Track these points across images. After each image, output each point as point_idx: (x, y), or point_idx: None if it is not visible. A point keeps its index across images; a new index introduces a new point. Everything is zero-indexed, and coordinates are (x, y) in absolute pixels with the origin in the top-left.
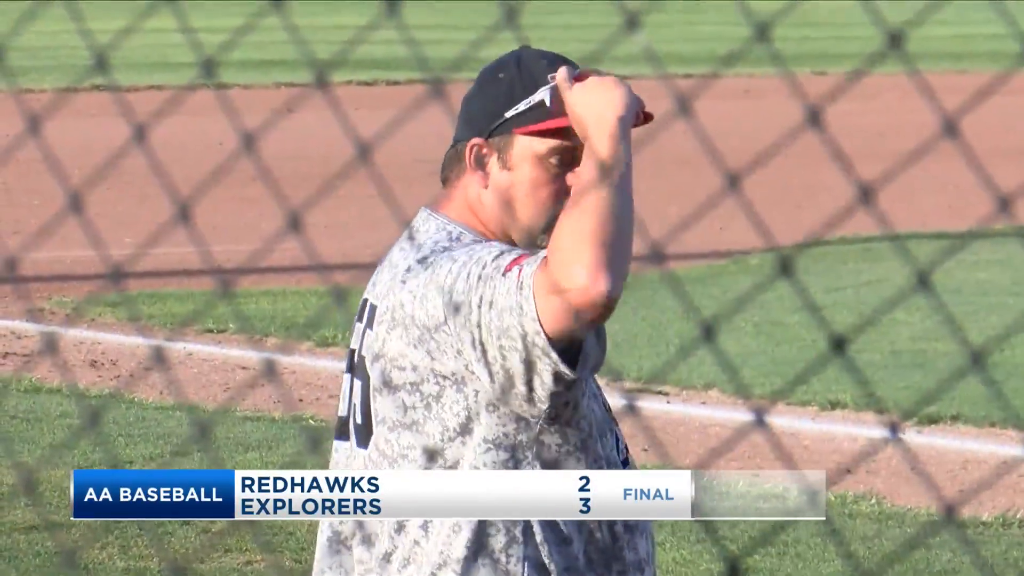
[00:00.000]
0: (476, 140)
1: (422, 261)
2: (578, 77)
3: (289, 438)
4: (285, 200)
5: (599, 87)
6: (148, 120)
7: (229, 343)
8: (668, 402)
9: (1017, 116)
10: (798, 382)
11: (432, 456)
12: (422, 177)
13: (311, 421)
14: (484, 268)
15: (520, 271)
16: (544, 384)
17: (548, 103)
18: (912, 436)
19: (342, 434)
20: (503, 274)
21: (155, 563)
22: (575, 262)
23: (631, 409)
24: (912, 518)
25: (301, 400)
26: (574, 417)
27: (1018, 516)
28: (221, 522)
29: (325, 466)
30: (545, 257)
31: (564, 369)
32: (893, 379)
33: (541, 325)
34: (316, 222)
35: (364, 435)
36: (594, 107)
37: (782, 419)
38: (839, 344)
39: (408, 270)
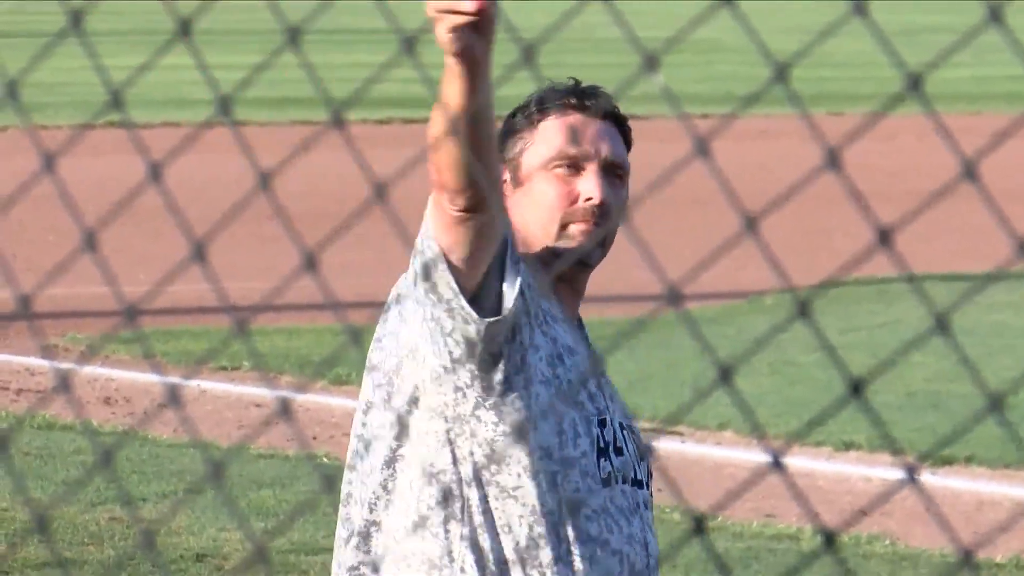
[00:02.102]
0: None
1: None
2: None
3: (303, 476)
4: (300, 238)
5: None
6: (164, 157)
7: (243, 380)
8: (683, 442)
9: None
10: (813, 423)
11: (399, 432)
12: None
13: (324, 459)
14: (417, 244)
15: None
16: (451, 336)
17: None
18: (927, 477)
19: None
20: (425, 237)
21: None
22: (439, 161)
23: (646, 449)
24: (926, 559)
25: (315, 438)
26: (508, 393)
27: None
28: (234, 559)
29: (339, 503)
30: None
31: (453, 289)
32: (908, 420)
33: (442, 254)
34: (331, 261)
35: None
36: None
37: (796, 459)
38: (856, 387)
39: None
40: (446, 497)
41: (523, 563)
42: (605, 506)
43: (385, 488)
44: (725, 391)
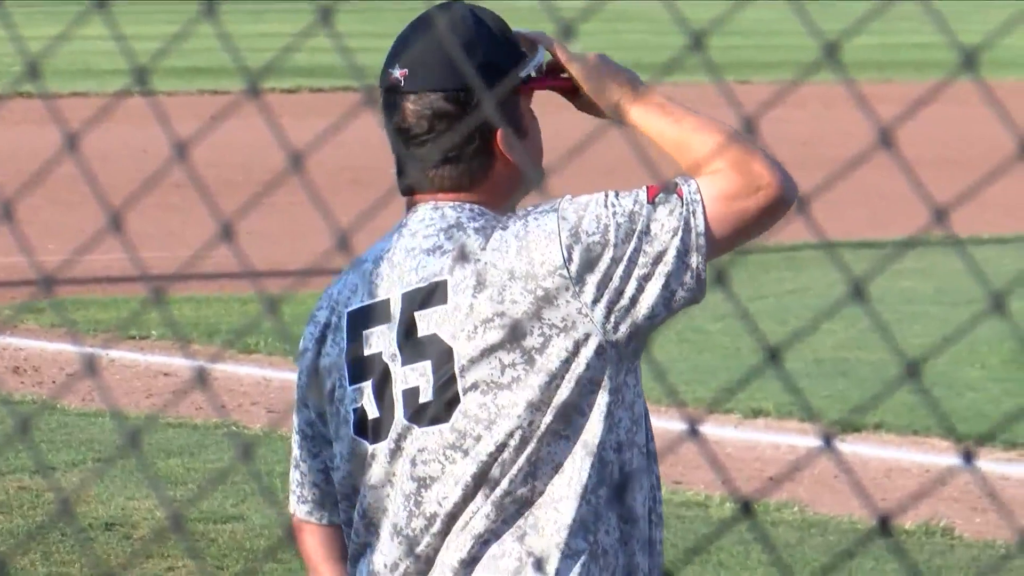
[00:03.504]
0: (501, 130)
1: (477, 231)
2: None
3: (211, 444)
4: (216, 208)
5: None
6: (81, 128)
7: (152, 350)
8: None
9: (941, 126)
10: (725, 391)
11: (536, 408)
12: (347, 185)
13: (233, 428)
14: (617, 205)
15: (679, 192)
16: (666, 306)
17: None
18: (835, 444)
19: (376, 437)
20: (648, 203)
21: (77, 569)
22: (759, 162)
23: None
24: (835, 526)
25: (223, 407)
26: (639, 352)
27: (941, 525)
28: (143, 527)
29: (256, 475)
30: (704, 175)
31: (703, 279)
32: (816, 387)
33: (707, 241)
34: (239, 229)
35: (443, 410)
36: (611, 72)
37: (705, 427)
38: (773, 355)
39: (479, 235)
40: (604, 464)
41: (649, 513)
42: None
43: (531, 463)
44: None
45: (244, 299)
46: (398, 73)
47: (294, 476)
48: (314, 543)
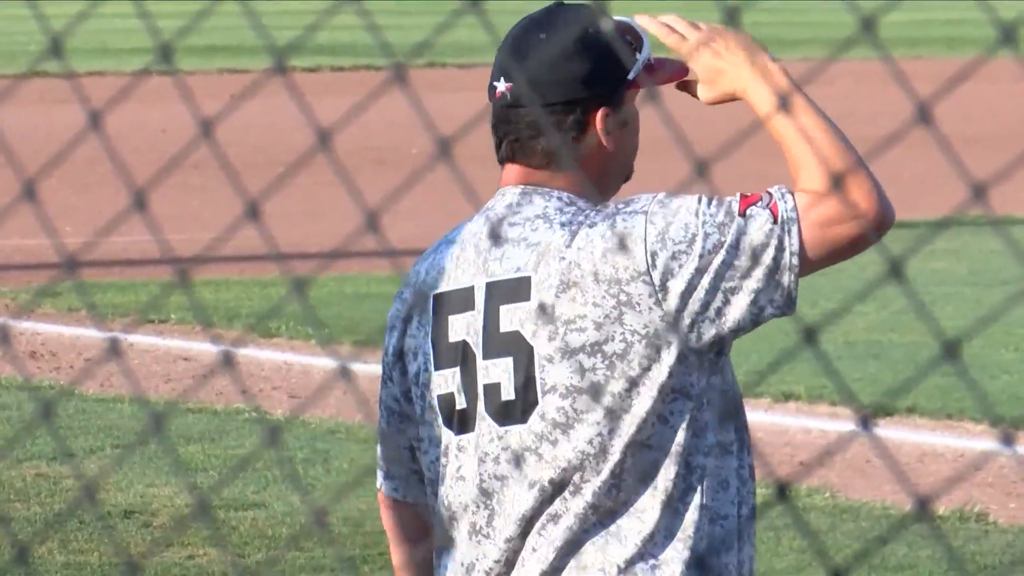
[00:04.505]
0: (605, 108)
1: (564, 225)
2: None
3: (232, 430)
4: (242, 188)
5: (708, 42)
6: (104, 107)
7: (171, 334)
8: None
9: (972, 104)
10: (756, 374)
11: (617, 415)
12: (370, 166)
13: (253, 413)
14: (707, 215)
15: (773, 208)
16: (753, 320)
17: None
18: (871, 428)
19: (463, 428)
20: (740, 215)
21: (96, 557)
22: (860, 187)
23: None
24: (868, 512)
25: (244, 392)
26: (725, 351)
27: (975, 510)
28: (163, 515)
29: (280, 461)
30: (803, 193)
31: (794, 298)
32: (848, 370)
33: (799, 261)
34: (262, 211)
35: (522, 409)
36: (728, 50)
37: None
38: (808, 336)
39: (565, 230)
40: (690, 471)
41: (739, 507)
42: None
43: (615, 474)
44: None
45: (265, 282)
46: (504, 87)
47: (380, 451)
48: (398, 521)
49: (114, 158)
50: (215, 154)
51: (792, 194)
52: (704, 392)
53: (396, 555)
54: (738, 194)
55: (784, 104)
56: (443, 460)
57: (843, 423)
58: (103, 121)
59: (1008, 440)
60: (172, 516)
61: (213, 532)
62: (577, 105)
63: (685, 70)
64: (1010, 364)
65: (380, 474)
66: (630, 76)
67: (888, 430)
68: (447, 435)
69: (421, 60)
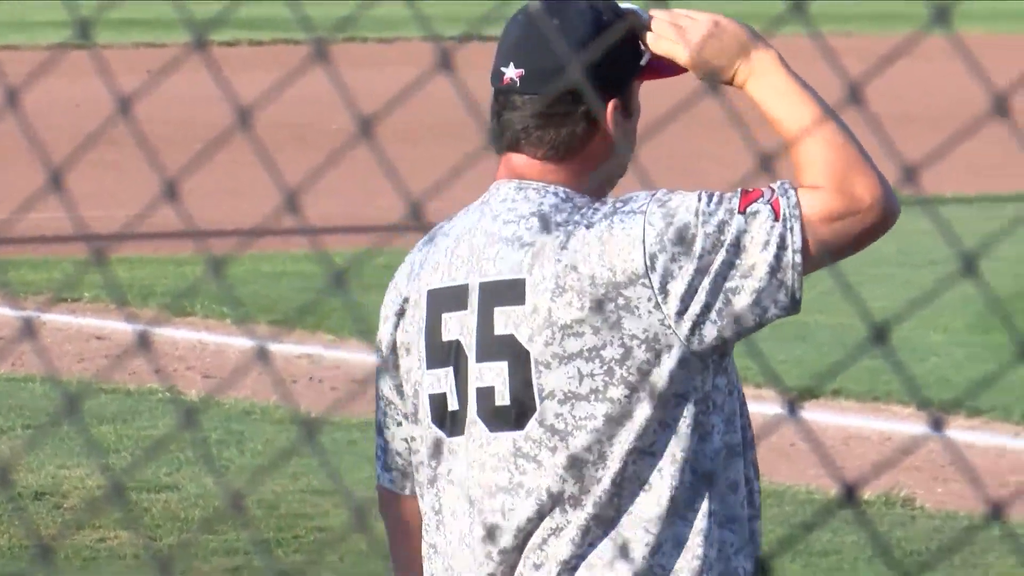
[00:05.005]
0: (616, 100)
1: (559, 225)
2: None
3: (145, 411)
4: (160, 166)
5: (706, 30)
6: (19, 84)
7: (84, 312)
8: None
9: (903, 82)
10: None
11: (617, 422)
12: (291, 141)
13: (167, 393)
14: (707, 213)
15: (775, 205)
16: (756, 320)
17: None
18: (798, 412)
19: (454, 430)
20: (740, 213)
21: (6, 540)
22: (863, 181)
23: None
24: (792, 496)
25: (158, 372)
26: (729, 352)
27: (902, 495)
28: (74, 497)
29: (193, 442)
30: (805, 188)
31: (798, 298)
32: (773, 352)
33: (803, 259)
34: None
35: (515, 417)
36: (724, 48)
37: None
38: None
39: (560, 231)
40: (696, 476)
41: (752, 510)
42: None
43: (616, 483)
44: None
45: (180, 260)
46: (513, 74)
47: (378, 442)
48: (396, 514)
49: (30, 135)
50: (132, 131)
51: (795, 189)
52: (709, 395)
53: (398, 553)
54: (739, 190)
55: (785, 98)
56: (433, 462)
57: (768, 406)
58: (20, 98)
59: (938, 424)
60: (83, 498)
61: (125, 514)
62: (589, 95)
63: (682, 70)
64: (939, 346)
65: (378, 465)
66: (642, 63)
67: (813, 413)
68: (438, 435)
69: (341, 35)
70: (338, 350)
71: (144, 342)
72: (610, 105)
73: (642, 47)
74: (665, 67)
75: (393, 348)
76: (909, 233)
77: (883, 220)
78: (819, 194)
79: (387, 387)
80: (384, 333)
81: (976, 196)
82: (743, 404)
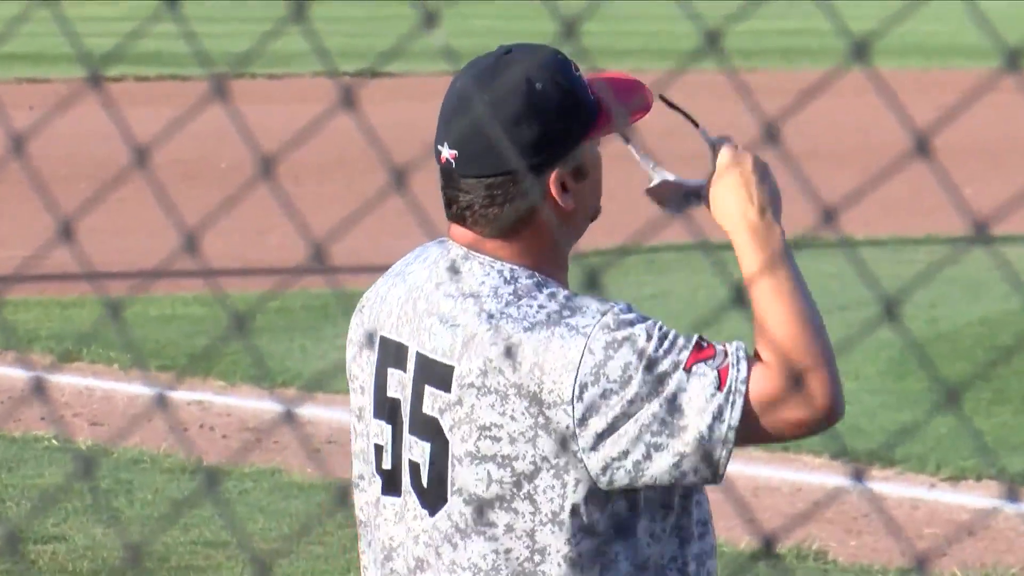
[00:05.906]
0: (558, 171)
1: (493, 317)
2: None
3: (31, 459)
4: (46, 204)
5: (732, 178)
6: None
7: None
8: None
9: (817, 119)
10: None
11: (517, 536)
12: (180, 179)
13: (54, 441)
14: (650, 358)
15: (722, 373)
16: (672, 481)
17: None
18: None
19: (389, 489)
20: (685, 370)
21: None
22: (819, 378)
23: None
24: None
25: (43, 418)
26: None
27: (814, 548)
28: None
29: (81, 492)
30: (760, 366)
31: (721, 473)
32: None
33: (735, 436)
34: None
35: (432, 501)
36: (731, 202)
37: None
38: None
39: (491, 323)
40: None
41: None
42: None
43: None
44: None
45: (65, 303)
46: (448, 154)
47: (354, 467)
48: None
49: None
50: (24, 168)
51: (748, 361)
52: (618, 527)
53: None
54: (694, 339)
55: (766, 275)
56: (372, 510)
57: None
58: None
59: (859, 475)
60: None
61: (12, 566)
62: (528, 173)
63: (645, 108)
64: (850, 394)
65: (356, 492)
66: (589, 132)
67: None
68: (378, 486)
69: (234, 71)
70: (229, 396)
71: (39, 388)
72: (553, 176)
73: (594, 107)
74: (621, 117)
75: (353, 376)
76: (817, 276)
77: (826, 420)
78: (770, 377)
79: (357, 405)
80: (350, 354)
81: (889, 238)
82: (671, 496)
